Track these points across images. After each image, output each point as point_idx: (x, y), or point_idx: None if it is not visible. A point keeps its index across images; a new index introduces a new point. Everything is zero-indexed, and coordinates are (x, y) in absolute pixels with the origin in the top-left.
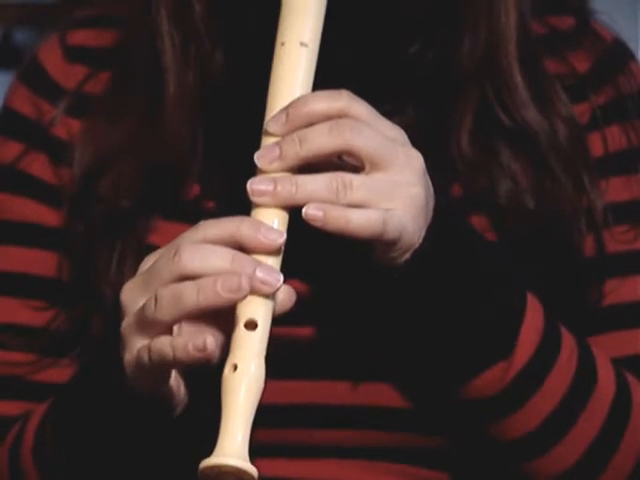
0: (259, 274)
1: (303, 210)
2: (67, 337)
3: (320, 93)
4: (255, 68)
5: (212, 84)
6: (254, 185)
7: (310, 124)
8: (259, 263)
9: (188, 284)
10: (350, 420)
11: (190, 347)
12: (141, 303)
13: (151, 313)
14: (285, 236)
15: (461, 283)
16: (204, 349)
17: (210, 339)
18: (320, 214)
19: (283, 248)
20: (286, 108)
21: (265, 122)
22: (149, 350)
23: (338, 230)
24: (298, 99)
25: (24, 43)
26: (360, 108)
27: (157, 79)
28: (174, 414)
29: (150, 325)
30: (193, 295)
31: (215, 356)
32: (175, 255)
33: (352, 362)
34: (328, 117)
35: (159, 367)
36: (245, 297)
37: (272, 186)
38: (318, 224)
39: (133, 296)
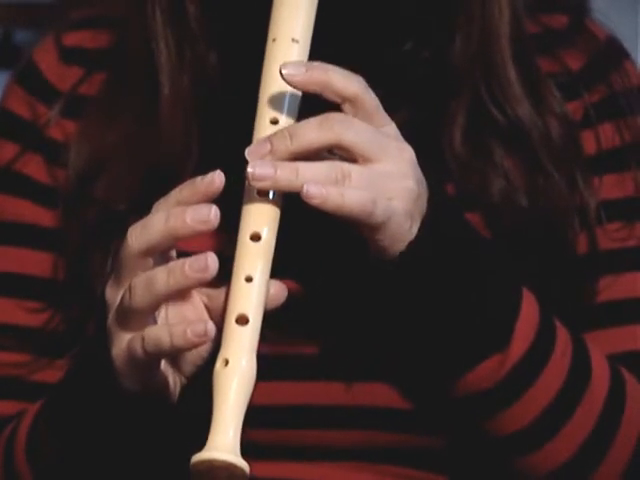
0: (188, 218)
1: (304, 187)
2: (63, 338)
3: None
4: (249, 68)
5: (206, 85)
6: (255, 169)
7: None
8: (186, 209)
9: (158, 270)
10: (345, 421)
11: (189, 333)
12: (119, 297)
13: (127, 303)
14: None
15: (457, 275)
16: (204, 335)
17: (210, 325)
18: (322, 191)
19: (274, 246)
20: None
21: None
22: (142, 340)
23: (334, 207)
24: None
25: (24, 43)
26: None
27: (152, 80)
28: (167, 405)
29: (128, 315)
30: (164, 279)
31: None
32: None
33: (347, 362)
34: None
35: (153, 356)
36: (212, 275)
37: (272, 170)
38: (317, 202)
39: (112, 292)
